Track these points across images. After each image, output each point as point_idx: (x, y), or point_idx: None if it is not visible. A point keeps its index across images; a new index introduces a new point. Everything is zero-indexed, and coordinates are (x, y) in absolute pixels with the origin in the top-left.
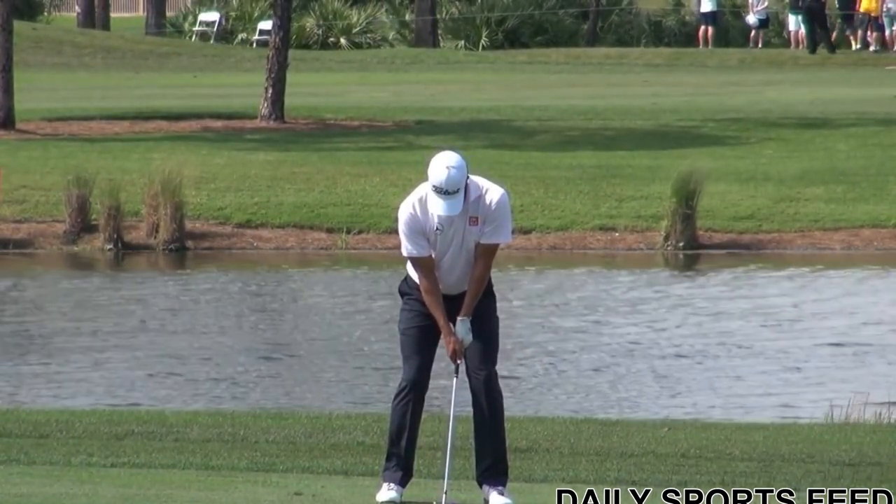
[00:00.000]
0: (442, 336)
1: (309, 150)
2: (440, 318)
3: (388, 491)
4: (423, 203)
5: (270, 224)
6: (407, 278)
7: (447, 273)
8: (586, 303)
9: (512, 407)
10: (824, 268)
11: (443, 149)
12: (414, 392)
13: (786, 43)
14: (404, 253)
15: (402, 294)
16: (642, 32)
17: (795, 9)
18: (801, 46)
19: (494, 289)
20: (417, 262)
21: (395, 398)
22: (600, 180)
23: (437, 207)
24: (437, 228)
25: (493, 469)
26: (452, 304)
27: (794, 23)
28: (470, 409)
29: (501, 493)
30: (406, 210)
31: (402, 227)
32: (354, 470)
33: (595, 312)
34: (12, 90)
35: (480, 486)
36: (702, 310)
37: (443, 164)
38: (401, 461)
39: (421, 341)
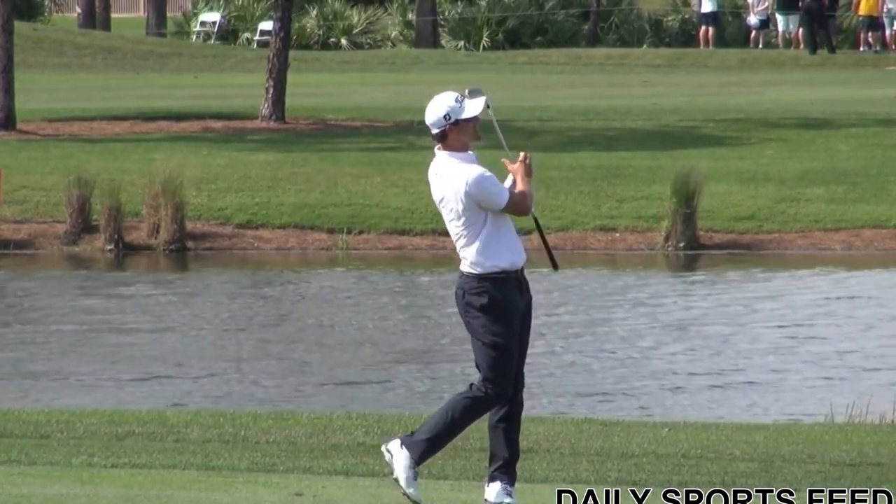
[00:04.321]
0: (524, 172)
1: (310, 151)
2: (530, 188)
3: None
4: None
5: (271, 224)
6: (488, 284)
7: (513, 229)
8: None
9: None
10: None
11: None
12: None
13: (784, 44)
14: (503, 202)
15: (494, 306)
16: (643, 33)
17: (784, 9)
18: (792, 47)
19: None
20: (513, 195)
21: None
22: (601, 181)
23: (479, 102)
24: None
25: (508, 466)
26: (523, 278)
27: (783, 23)
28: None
29: (510, 495)
30: (485, 171)
31: (494, 184)
32: (355, 470)
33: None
34: (13, 91)
35: (491, 482)
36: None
37: (452, 94)
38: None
39: (516, 355)
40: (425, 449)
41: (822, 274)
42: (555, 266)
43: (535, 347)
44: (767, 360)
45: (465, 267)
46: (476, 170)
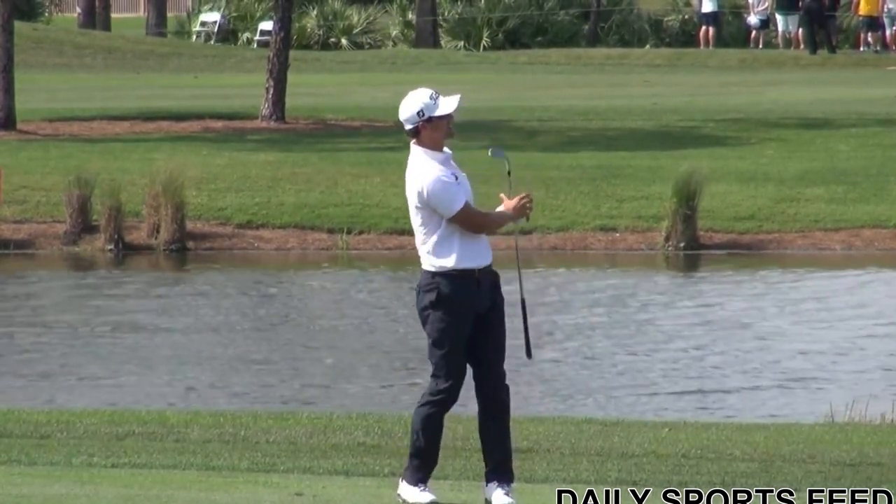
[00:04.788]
0: (512, 209)
1: (310, 151)
2: (505, 218)
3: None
4: (433, 164)
5: (271, 224)
6: (440, 280)
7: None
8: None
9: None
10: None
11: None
12: (453, 403)
13: (784, 44)
14: (452, 212)
15: (442, 302)
16: (643, 33)
17: (783, 9)
18: (792, 47)
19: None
20: (466, 210)
21: (433, 405)
22: (601, 181)
23: (453, 100)
24: (455, 178)
25: (501, 465)
26: (490, 274)
27: (783, 23)
28: (470, 410)
29: (508, 494)
30: (442, 175)
31: (448, 192)
32: (355, 470)
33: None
34: (13, 90)
35: (488, 483)
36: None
37: (426, 91)
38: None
39: (463, 355)
40: (416, 467)
41: (848, 275)
42: (528, 353)
43: (566, 349)
44: (799, 360)
45: (422, 263)
46: (434, 173)
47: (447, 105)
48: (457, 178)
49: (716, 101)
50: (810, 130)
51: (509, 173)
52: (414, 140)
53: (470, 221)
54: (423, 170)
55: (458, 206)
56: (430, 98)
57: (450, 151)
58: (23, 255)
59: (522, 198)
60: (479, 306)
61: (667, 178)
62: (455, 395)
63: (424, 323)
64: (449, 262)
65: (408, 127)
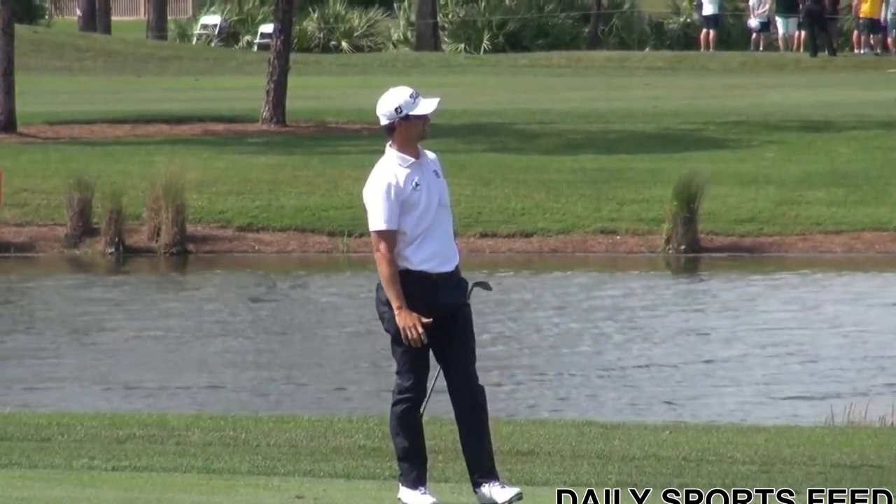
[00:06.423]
0: (406, 318)
1: (310, 154)
2: (391, 295)
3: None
4: (396, 169)
5: (272, 227)
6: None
7: (443, 237)
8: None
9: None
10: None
11: (443, 152)
12: (422, 397)
13: (784, 46)
14: (373, 227)
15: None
16: (644, 35)
17: (784, 12)
18: (790, 47)
19: None
20: (390, 238)
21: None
22: (602, 183)
23: (432, 102)
24: (415, 185)
25: (485, 466)
26: (451, 280)
27: (783, 26)
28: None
29: (504, 486)
30: (382, 183)
31: (375, 202)
32: (356, 473)
33: None
34: (13, 94)
35: (477, 489)
36: None
37: (406, 89)
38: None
39: (424, 351)
40: (408, 469)
41: (849, 275)
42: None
43: (598, 355)
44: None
45: None
46: (374, 177)
47: (426, 106)
48: (417, 185)
49: (716, 103)
50: (811, 133)
51: (481, 285)
52: (389, 141)
53: (376, 251)
54: (377, 173)
55: (377, 226)
56: (410, 96)
57: (433, 155)
58: (23, 259)
59: (412, 327)
60: (435, 307)
61: (667, 181)
62: (422, 390)
63: (382, 320)
64: (406, 262)
65: (383, 122)
